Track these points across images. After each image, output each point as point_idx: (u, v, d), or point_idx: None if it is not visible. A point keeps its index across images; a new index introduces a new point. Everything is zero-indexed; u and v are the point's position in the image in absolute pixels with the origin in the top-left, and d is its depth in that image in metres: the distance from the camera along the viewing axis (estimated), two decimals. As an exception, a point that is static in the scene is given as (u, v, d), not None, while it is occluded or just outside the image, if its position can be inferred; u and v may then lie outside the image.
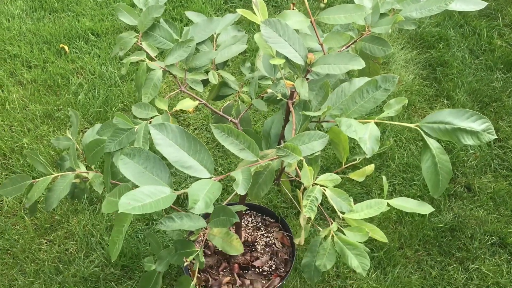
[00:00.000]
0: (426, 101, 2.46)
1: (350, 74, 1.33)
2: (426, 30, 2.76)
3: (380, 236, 0.86)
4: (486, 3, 1.14)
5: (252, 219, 1.73)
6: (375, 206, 0.85)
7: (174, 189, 0.86)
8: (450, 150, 2.20)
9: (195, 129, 2.33)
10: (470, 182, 2.11)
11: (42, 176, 1.35)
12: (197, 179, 0.87)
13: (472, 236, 1.95)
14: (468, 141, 0.86)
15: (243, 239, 1.65)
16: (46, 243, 1.93)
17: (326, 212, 1.15)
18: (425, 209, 0.87)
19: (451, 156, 2.18)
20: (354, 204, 0.91)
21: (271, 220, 1.74)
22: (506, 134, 2.29)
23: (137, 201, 0.76)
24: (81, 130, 2.29)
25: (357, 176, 1.09)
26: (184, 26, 2.77)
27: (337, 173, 1.14)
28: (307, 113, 1.01)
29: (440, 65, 2.61)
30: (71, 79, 2.51)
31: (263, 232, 1.70)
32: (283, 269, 1.60)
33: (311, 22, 1.15)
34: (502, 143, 2.26)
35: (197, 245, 1.57)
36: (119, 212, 0.74)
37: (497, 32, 2.77)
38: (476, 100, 2.44)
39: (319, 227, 1.06)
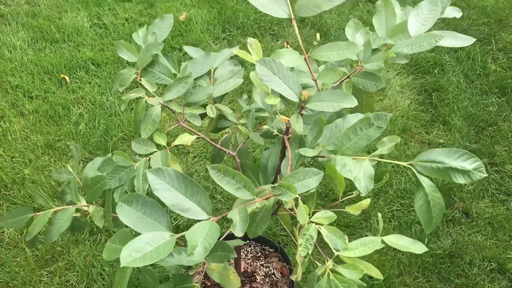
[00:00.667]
0: (423, 126, 2.49)
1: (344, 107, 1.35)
2: (421, 56, 2.81)
3: (375, 273, 0.87)
4: (474, 39, 1.17)
5: (252, 249, 1.74)
6: (369, 244, 0.86)
7: (172, 225, 0.88)
8: (447, 175, 2.22)
9: (195, 157, 2.36)
10: (467, 208, 2.13)
11: (43, 208, 1.37)
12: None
13: (471, 262, 1.95)
14: (460, 180, 0.88)
15: (242, 270, 1.66)
16: (47, 274, 1.93)
17: (322, 248, 1.17)
18: (419, 248, 0.89)
19: (448, 181, 2.20)
20: (349, 235, 0.93)
21: (271, 250, 1.75)
22: (502, 158, 2.31)
23: (137, 252, 0.78)
24: (82, 160, 2.31)
25: (354, 210, 1.10)
26: (183, 56, 2.82)
27: (335, 205, 1.15)
28: (303, 152, 1.03)
29: (436, 90, 2.65)
30: (71, 109, 2.54)
31: (262, 262, 1.70)
32: (282, 299, 1.61)
33: (305, 59, 1.18)
34: (498, 167, 2.28)
35: (197, 276, 1.58)
36: (121, 266, 0.76)
37: (491, 57, 2.82)
38: (472, 125, 2.47)
39: (316, 262, 1.08)
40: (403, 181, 2.21)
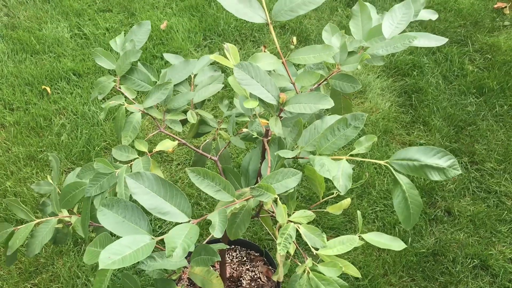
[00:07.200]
0: (403, 127, 2.52)
1: (323, 110, 1.37)
2: (400, 58, 2.85)
3: (353, 271, 0.88)
4: (447, 39, 1.20)
5: (237, 254, 1.75)
6: (347, 242, 0.88)
7: (156, 232, 0.88)
8: (429, 175, 2.24)
9: (178, 164, 2.36)
10: (449, 206, 2.16)
11: (25, 221, 1.35)
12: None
13: (454, 259, 1.98)
14: (435, 177, 0.90)
15: (228, 275, 1.66)
16: (31, 287, 1.91)
17: (302, 248, 1.18)
18: (398, 245, 0.90)
19: (430, 181, 2.23)
20: (333, 236, 0.94)
21: (256, 254, 1.76)
22: (482, 157, 2.35)
23: (116, 254, 0.78)
24: (65, 171, 2.29)
25: (334, 210, 1.12)
26: (165, 64, 2.82)
27: (316, 206, 1.16)
28: (282, 154, 1.04)
29: (415, 91, 2.69)
30: (53, 120, 2.53)
31: (248, 267, 1.71)
32: (269, 303, 1.61)
33: (282, 63, 1.20)
34: (478, 166, 2.32)
35: (181, 282, 1.58)
36: (99, 268, 0.76)
37: (468, 58, 2.87)
38: (452, 125, 2.51)
39: (298, 263, 1.09)
40: (385, 182, 2.24)
